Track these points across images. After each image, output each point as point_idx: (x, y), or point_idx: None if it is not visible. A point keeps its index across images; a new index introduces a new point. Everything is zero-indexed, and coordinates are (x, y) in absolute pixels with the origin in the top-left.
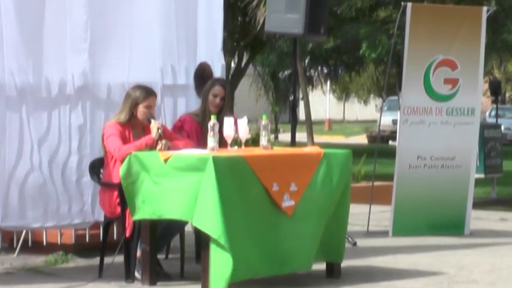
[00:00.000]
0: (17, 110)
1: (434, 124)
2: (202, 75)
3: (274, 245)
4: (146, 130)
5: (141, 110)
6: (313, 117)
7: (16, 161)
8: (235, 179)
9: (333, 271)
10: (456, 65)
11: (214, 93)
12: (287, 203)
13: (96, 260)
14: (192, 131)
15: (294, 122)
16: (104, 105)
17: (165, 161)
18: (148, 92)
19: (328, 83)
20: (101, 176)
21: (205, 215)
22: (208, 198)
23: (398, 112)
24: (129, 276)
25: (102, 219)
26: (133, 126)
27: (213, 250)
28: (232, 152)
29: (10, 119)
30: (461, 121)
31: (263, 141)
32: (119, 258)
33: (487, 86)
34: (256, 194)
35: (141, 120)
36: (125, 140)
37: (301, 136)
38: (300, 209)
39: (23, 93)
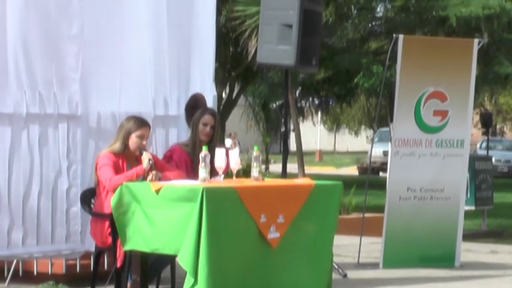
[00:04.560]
0: (7, 137)
1: (424, 156)
2: (195, 106)
3: (260, 275)
4: (139, 160)
5: (133, 140)
6: (304, 148)
7: (6, 191)
8: (226, 210)
9: None
10: (446, 96)
11: (204, 122)
12: (273, 234)
13: None
14: (180, 161)
15: (285, 154)
16: (94, 135)
17: (157, 191)
18: (141, 122)
19: (319, 114)
20: (92, 206)
21: (187, 247)
22: (196, 229)
23: (389, 144)
24: None
25: (92, 249)
26: (127, 157)
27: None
28: (223, 183)
29: (1, 148)
30: (451, 153)
31: (254, 172)
32: None
33: (478, 117)
34: (244, 225)
35: (133, 150)
36: (118, 170)
37: (292, 167)
38: (286, 241)
39: (14, 122)
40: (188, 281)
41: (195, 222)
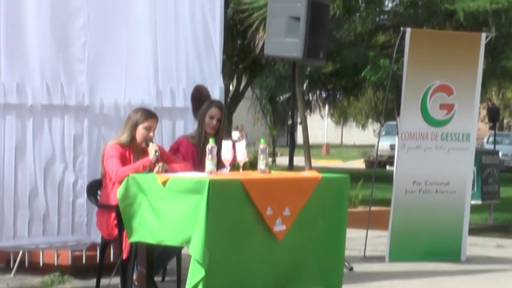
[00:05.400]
0: (14, 128)
1: (429, 149)
2: (199, 97)
3: (266, 268)
4: (146, 152)
5: (140, 131)
6: (311, 141)
7: (12, 182)
8: (231, 202)
9: None
10: (452, 90)
11: (210, 115)
12: (279, 227)
13: (92, 282)
14: (187, 153)
15: (292, 146)
16: (100, 126)
17: (163, 183)
18: (149, 114)
19: (327, 107)
20: (99, 197)
21: (198, 239)
22: (205, 220)
23: (396, 137)
24: None
25: (98, 240)
26: (134, 148)
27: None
28: (229, 175)
29: (8, 138)
30: (456, 146)
31: (261, 165)
32: (116, 280)
33: (485, 112)
34: (250, 217)
35: (140, 142)
36: (125, 162)
37: (298, 160)
38: (292, 233)
39: (20, 113)
40: (197, 272)
41: (203, 214)
